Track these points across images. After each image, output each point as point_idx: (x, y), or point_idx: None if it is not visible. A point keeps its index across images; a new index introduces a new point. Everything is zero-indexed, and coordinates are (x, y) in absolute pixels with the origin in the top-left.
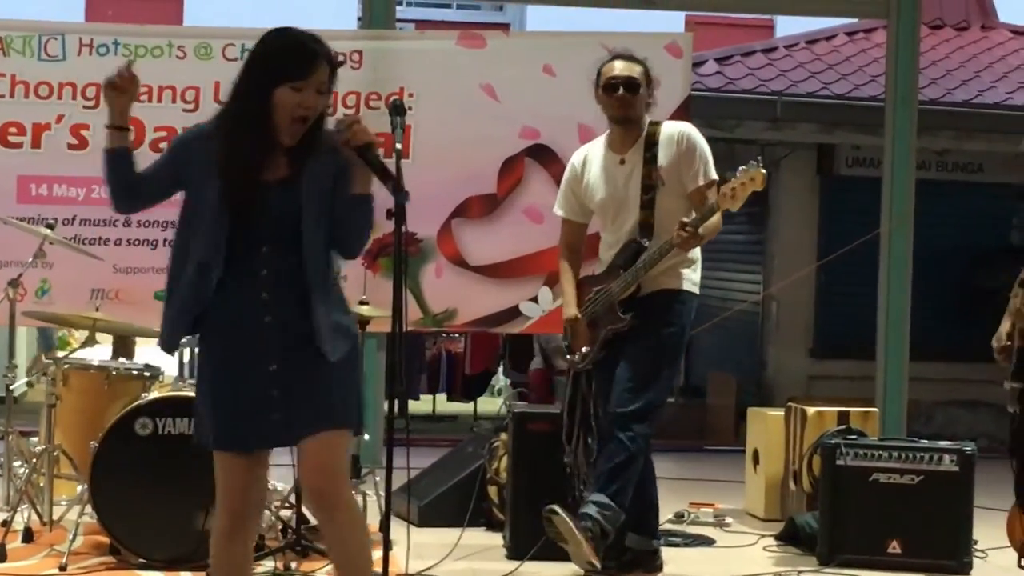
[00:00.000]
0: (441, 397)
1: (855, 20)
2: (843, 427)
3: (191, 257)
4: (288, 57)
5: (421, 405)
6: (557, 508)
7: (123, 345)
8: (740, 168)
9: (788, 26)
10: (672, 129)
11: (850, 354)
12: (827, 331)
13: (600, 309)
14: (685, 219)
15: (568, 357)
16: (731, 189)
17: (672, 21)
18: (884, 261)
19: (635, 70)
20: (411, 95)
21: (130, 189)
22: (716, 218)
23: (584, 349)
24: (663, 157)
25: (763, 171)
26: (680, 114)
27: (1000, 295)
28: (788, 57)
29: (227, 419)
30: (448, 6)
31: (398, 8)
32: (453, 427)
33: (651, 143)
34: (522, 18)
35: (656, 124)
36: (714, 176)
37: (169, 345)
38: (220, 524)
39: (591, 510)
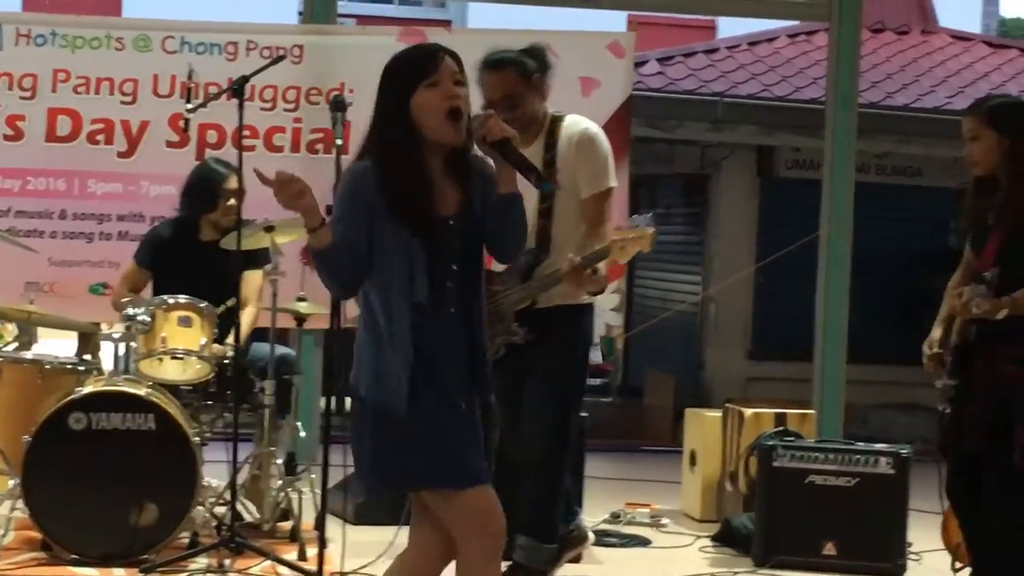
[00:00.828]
0: None
1: (797, 22)
2: (780, 429)
3: (387, 302)
4: (410, 62)
5: None
6: None
7: (84, 340)
8: (634, 217)
9: (730, 27)
10: (574, 128)
11: (788, 356)
12: (765, 333)
13: (494, 314)
14: (574, 257)
15: None
16: (623, 240)
17: (615, 20)
18: (823, 263)
19: (510, 78)
20: (351, 91)
21: (355, 271)
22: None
23: None
24: (561, 157)
25: (652, 231)
26: (622, 114)
27: (938, 298)
28: (730, 58)
29: (457, 455)
30: (390, 2)
31: (340, 4)
32: None
33: (551, 143)
34: (464, 15)
35: (558, 119)
36: (611, 184)
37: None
38: (487, 548)
39: (519, 556)
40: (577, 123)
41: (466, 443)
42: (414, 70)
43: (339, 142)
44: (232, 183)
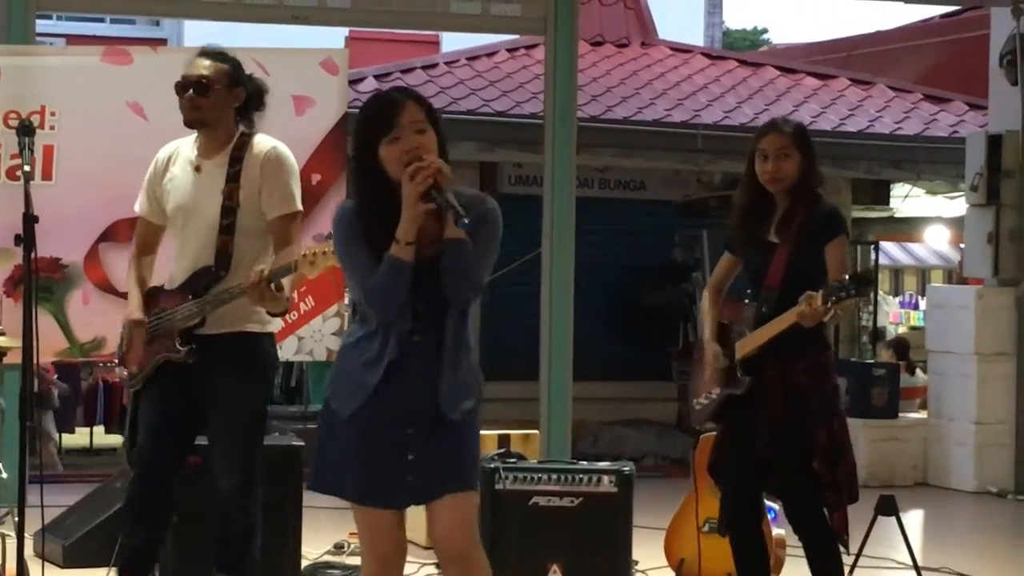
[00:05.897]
0: (99, 430)
1: (517, 36)
2: (502, 450)
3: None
4: (371, 119)
5: (77, 439)
6: None
7: None
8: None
9: (454, 42)
10: (262, 146)
11: (517, 375)
12: (493, 352)
13: (160, 331)
14: (263, 267)
15: (119, 370)
16: (312, 254)
17: (335, 37)
18: (546, 280)
19: (211, 68)
20: (53, 113)
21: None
22: (292, 279)
23: (134, 369)
24: (245, 176)
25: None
26: (337, 132)
27: (664, 312)
28: (449, 74)
29: (369, 476)
30: (101, 20)
31: (48, 22)
32: (111, 461)
33: (236, 157)
34: (180, 33)
35: (248, 136)
36: (298, 207)
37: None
38: (369, 569)
39: None
40: (266, 141)
41: (374, 466)
42: (375, 127)
43: (27, 168)
44: None
